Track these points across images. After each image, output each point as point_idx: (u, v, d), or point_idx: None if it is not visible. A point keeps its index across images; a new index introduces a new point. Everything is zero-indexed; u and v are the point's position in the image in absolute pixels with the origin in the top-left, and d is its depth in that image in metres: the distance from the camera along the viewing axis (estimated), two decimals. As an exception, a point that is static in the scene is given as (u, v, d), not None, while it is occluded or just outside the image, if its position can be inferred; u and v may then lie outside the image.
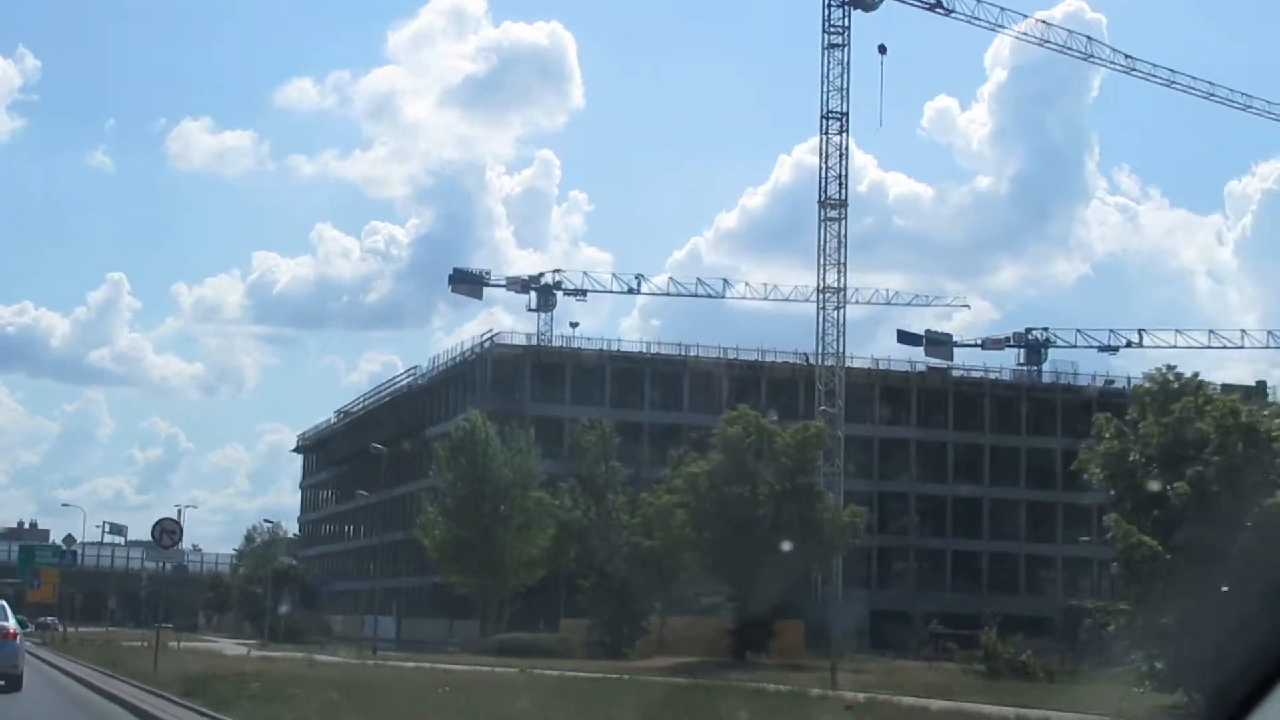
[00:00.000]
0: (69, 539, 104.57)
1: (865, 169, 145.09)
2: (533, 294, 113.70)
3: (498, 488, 71.78)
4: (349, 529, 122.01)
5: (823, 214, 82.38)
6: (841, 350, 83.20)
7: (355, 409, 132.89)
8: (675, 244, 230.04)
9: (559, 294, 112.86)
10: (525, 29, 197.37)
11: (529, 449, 73.21)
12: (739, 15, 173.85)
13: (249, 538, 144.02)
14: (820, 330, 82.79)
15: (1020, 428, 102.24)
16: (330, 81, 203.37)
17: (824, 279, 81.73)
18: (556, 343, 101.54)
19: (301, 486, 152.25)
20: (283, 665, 41.68)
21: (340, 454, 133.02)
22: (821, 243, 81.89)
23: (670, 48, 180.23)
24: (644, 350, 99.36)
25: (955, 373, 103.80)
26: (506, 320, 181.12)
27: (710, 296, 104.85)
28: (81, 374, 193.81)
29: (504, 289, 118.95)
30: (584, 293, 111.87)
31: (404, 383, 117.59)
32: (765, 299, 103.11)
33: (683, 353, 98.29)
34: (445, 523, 72.53)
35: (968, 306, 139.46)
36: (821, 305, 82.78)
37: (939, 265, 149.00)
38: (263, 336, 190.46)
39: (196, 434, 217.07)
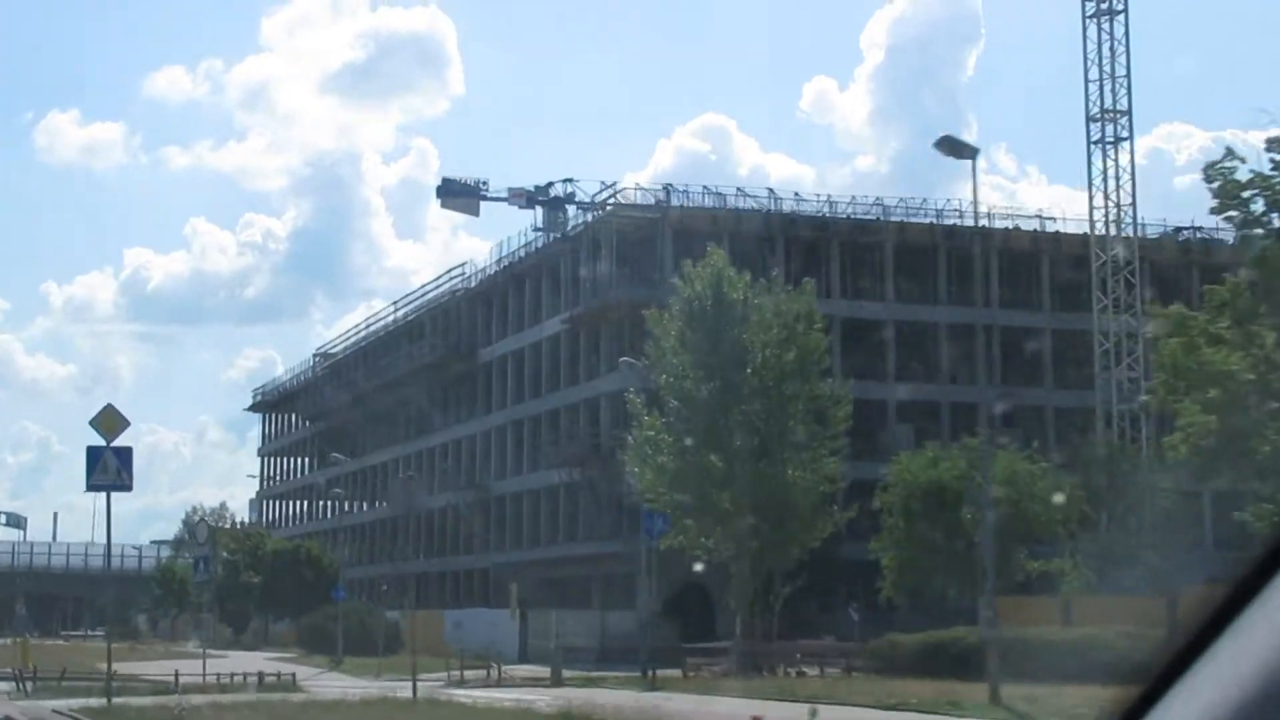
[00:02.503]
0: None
1: (745, 151, 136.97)
2: (539, 209, 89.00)
3: (765, 379, 43.33)
4: (337, 501, 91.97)
5: None
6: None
7: (342, 349, 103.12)
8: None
9: (572, 208, 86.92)
10: (403, 14, 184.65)
11: (811, 312, 44.57)
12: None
13: (187, 524, 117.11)
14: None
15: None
16: (202, 70, 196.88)
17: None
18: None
19: (261, 454, 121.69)
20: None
21: (325, 406, 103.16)
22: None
23: (551, 32, 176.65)
24: (827, 211, 70.81)
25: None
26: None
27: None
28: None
29: (505, 202, 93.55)
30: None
31: (433, 295, 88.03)
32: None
33: (882, 215, 70.28)
34: (673, 444, 43.39)
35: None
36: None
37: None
38: (138, 335, 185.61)
39: (70, 437, 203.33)
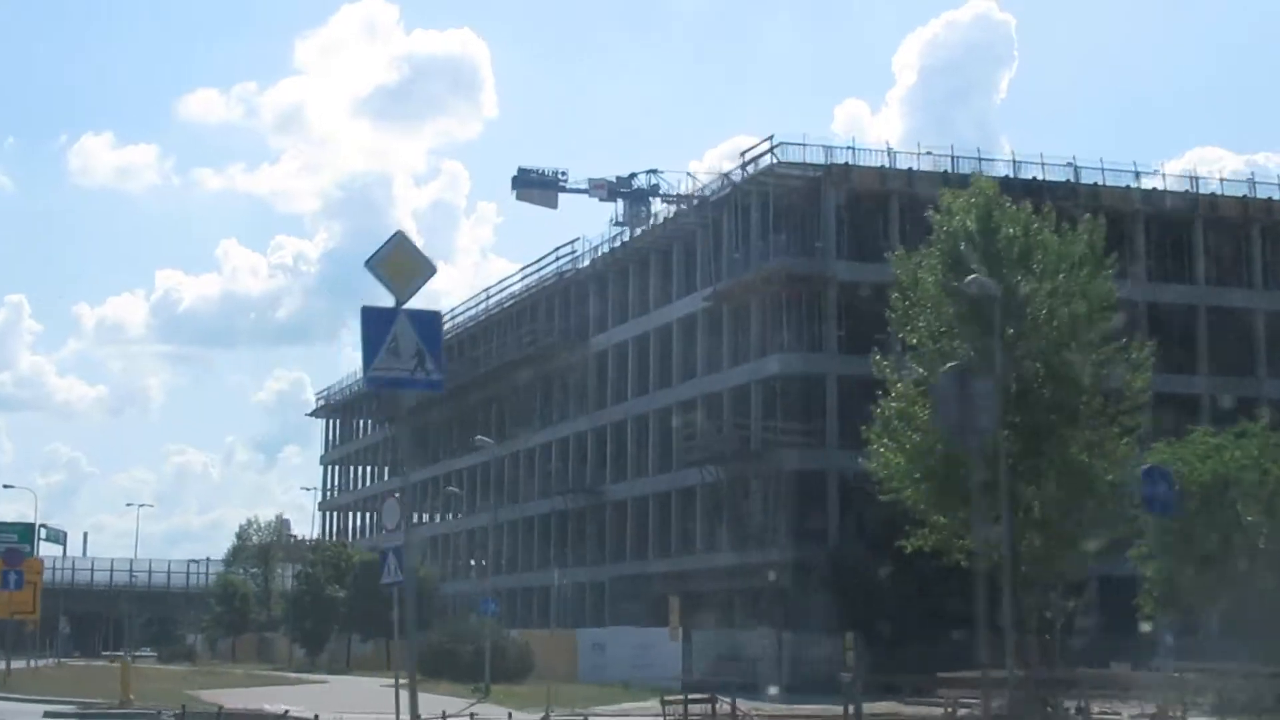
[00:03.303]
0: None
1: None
2: (620, 202, 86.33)
3: (1050, 336, 34.13)
4: (453, 500, 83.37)
5: None
6: None
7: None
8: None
9: (656, 200, 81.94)
10: (437, 37, 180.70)
11: (1098, 254, 35.18)
12: (657, 21, 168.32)
13: (240, 536, 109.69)
14: None
15: None
16: (236, 93, 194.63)
17: None
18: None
19: (324, 462, 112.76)
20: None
21: (393, 409, 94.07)
22: None
23: (586, 55, 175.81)
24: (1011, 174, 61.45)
25: None
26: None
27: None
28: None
29: (585, 194, 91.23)
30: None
31: (535, 279, 79.17)
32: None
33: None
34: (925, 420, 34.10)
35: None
36: None
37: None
38: (168, 356, 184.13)
39: (100, 458, 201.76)
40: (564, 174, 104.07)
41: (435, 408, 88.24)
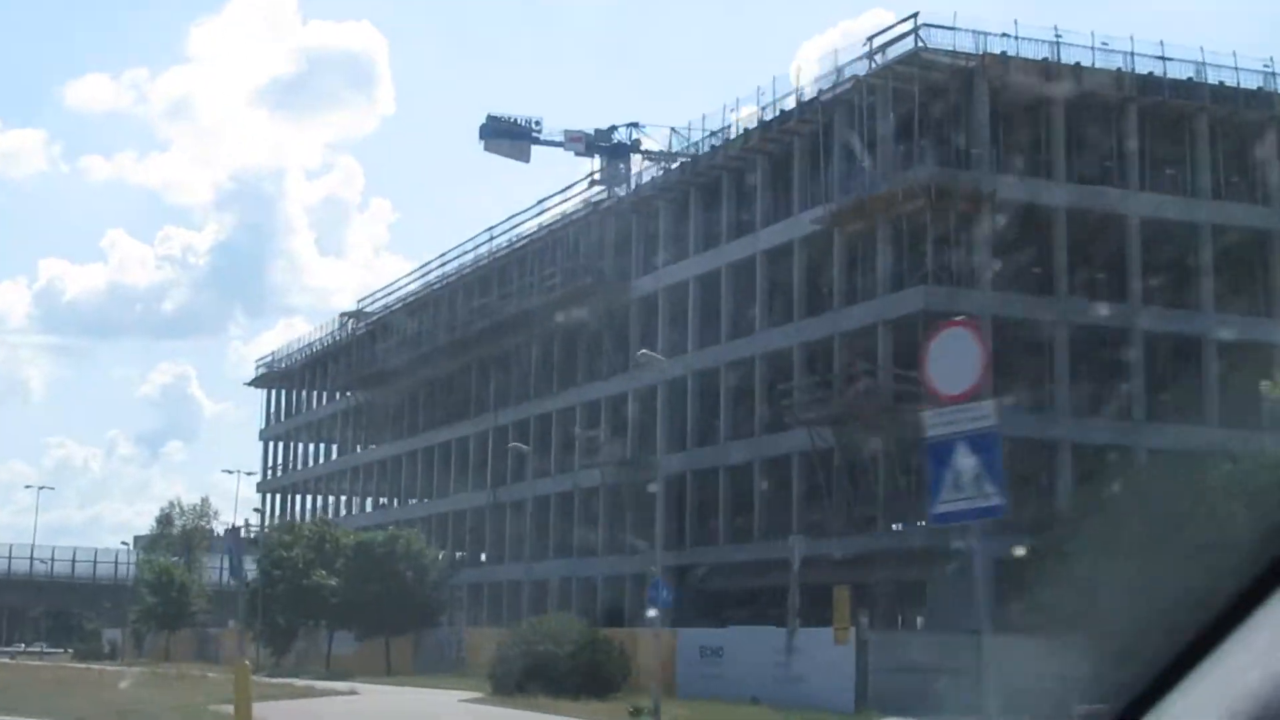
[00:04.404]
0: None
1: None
2: (597, 157, 79.40)
3: None
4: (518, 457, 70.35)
5: None
6: None
7: (395, 299, 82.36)
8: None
9: (637, 157, 73.14)
10: (335, 29, 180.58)
11: None
12: (559, 18, 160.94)
13: (163, 520, 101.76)
14: None
15: None
16: (127, 79, 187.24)
17: None
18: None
19: (264, 438, 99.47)
20: None
21: (369, 372, 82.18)
22: None
23: (486, 50, 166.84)
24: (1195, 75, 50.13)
25: None
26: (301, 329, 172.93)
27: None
28: None
29: (560, 147, 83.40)
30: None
31: (557, 213, 67.13)
32: None
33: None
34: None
35: None
36: None
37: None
38: (50, 347, 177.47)
39: None
40: (538, 123, 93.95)
41: (423, 368, 76.08)
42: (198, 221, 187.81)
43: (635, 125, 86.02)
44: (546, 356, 67.22)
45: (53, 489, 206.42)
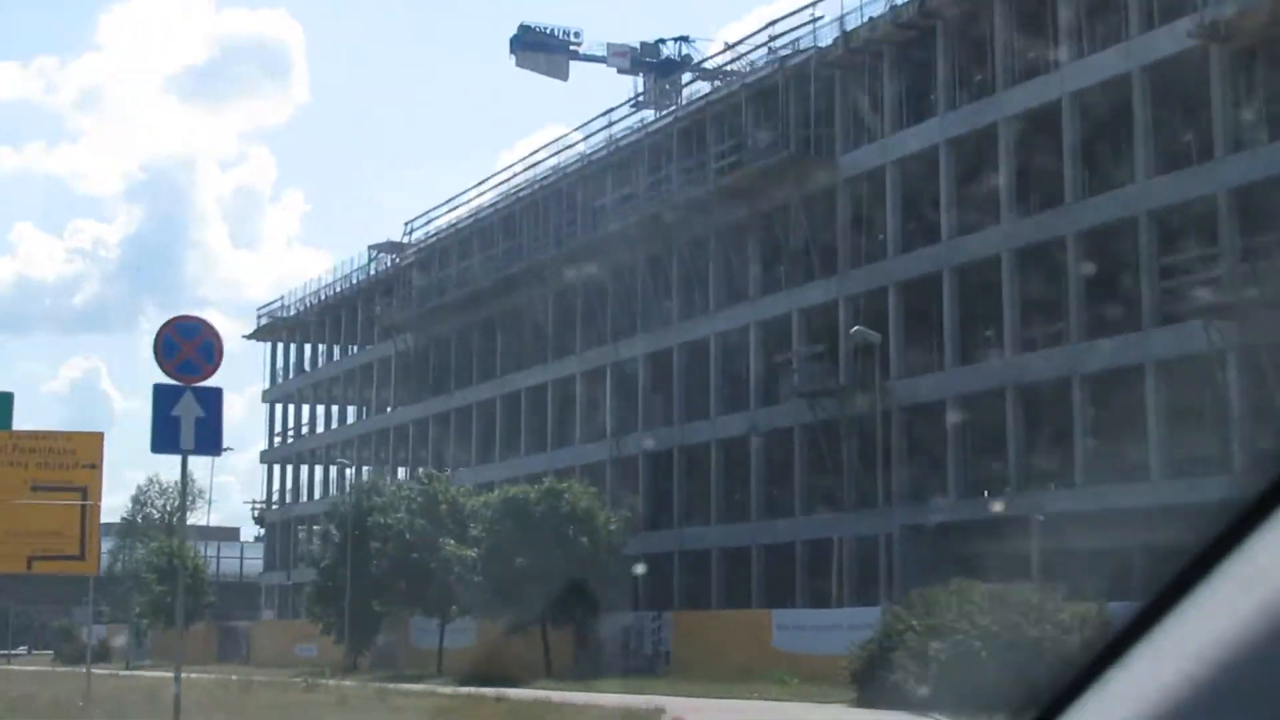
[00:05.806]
0: None
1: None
2: (641, 76, 74.01)
3: None
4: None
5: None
6: None
7: (453, 220, 70.28)
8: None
9: (689, 75, 66.25)
10: (249, 16, 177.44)
11: None
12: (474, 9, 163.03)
13: (138, 500, 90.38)
14: None
15: None
16: (36, 67, 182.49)
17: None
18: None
19: (268, 399, 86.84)
20: None
21: (418, 313, 70.12)
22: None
23: (404, 39, 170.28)
24: None
25: None
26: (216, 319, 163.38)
27: None
28: None
29: (602, 63, 78.25)
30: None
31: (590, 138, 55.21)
32: None
33: None
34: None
35: None
36: None
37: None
38: None
39: None
40: (578, 34, 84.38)
41: (494, 301, 63.99)
42: (108, 213, 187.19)
43: (685, 39, 76.34)
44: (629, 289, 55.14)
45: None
